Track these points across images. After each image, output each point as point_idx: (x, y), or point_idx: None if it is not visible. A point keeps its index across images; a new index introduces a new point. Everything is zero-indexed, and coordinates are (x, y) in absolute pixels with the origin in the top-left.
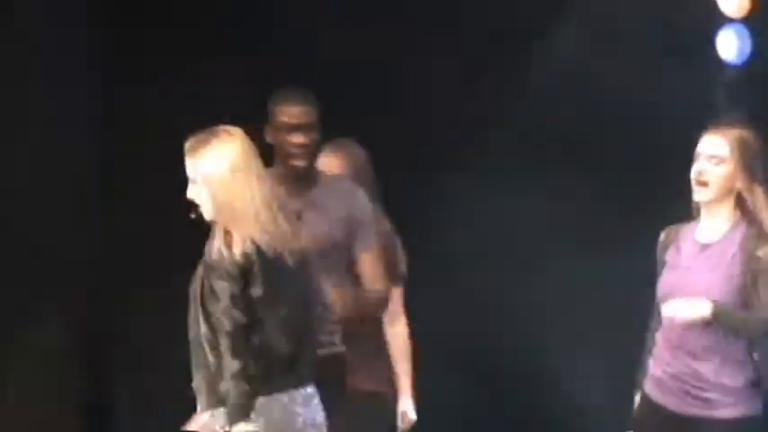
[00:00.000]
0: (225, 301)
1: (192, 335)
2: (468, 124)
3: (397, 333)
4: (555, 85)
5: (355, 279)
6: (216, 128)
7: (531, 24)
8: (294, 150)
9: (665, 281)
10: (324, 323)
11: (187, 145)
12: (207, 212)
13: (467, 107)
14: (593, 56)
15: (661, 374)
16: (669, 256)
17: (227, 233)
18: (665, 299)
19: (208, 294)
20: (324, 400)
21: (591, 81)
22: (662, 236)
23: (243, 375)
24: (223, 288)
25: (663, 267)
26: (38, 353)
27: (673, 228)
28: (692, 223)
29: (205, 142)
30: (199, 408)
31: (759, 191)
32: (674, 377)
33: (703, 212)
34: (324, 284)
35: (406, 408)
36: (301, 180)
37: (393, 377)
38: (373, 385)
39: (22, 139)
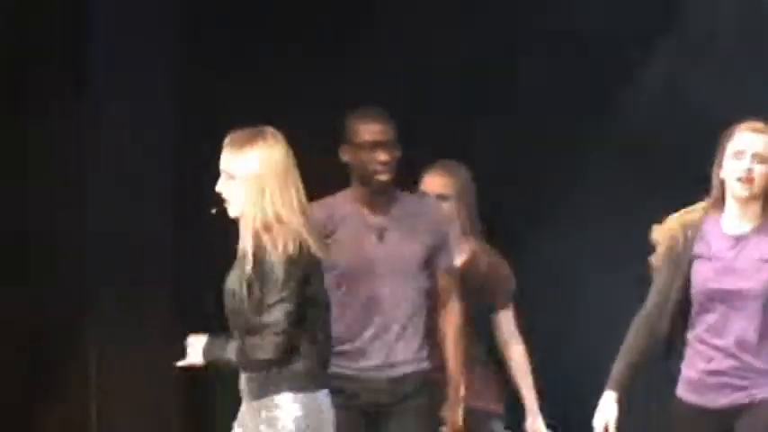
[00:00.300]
0: (280, 293)
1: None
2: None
3: (515, 352)
4: (653, 101)
5: (433, 296)
6: (261, 128)
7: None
8: (378, 167)
9: (701, 274)
10: (409, 340)
11: (230, 139)
12: (237, 209)
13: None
14: (687, 72)
15: (697, 374)
16: (699, 249)
17: (267, 231)
18: (711, 294)
19: (258, 291)
20: (410, 416)
21: (686, 97)
22: (675, 232)
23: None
24: (278, 282)
25: (692, 262)
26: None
27: (686, 224)
28: (710, 218)
29: (251, 139)
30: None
31: None
32: (714, 373)
33: (736, 207)
34: (404, 301)
35: (537, 427)
36: (383, 197)
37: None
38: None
39: None
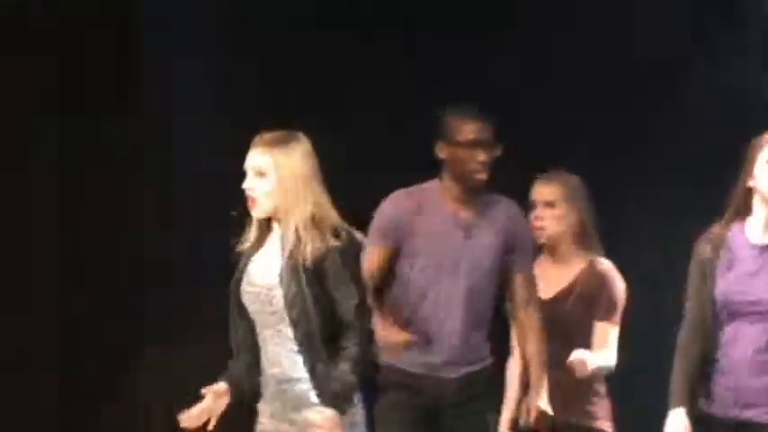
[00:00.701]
0: (351, 287)
1: (299, 333)
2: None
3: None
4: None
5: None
6: (289, 130)
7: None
8: (476, 166)
9: (725, 284)
10: (478, 338)
11: (262, 138)
12: (267, 208)
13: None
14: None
15: (718, 387)
16: (724, 258)
17: (314, 228)
18: (732, 305)
19: (317, 289)
20: (475, 415)
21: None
22: (704, 243)
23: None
24: (346, 276)
25: (713, 272)
26: None
27: (710, 235)
28: (734, 227)
29: (287, 139)
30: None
31: None
32: (735, 388)
33: (765, 216)
34: (480, 299)
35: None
36: (474, 195)
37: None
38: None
39: None
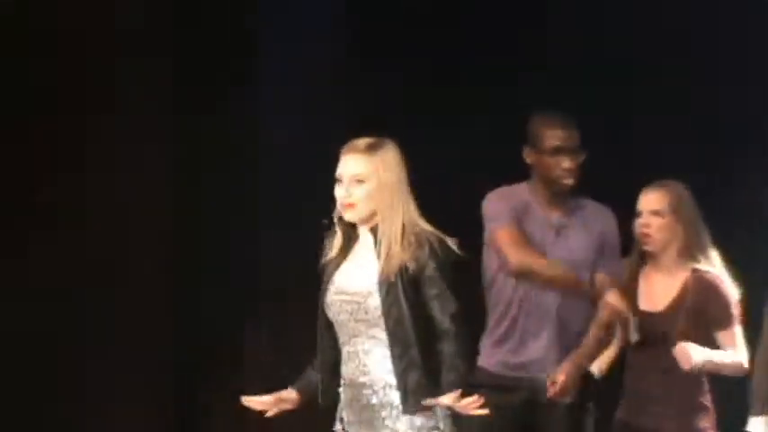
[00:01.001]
0: (448, 295)
1: (395, 341)
2: None
3: None
4: None
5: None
6: (381, 138)
7: None
8: (562, 173)
9: None
10: (569, 338)
11: (357, 145)
12: (366, 211)
13: None
14: None
15: None
16: None
17: (412, 234)
18: None
19: (429, 294)
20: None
21: None
22: None
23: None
24: (444, 284)
25: None
26: None
27: None
28: None
29: (380, 145)
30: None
31: None
32: None
33: None
34: (571, 299)
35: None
36: (562, 198)
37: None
38: None
39: None
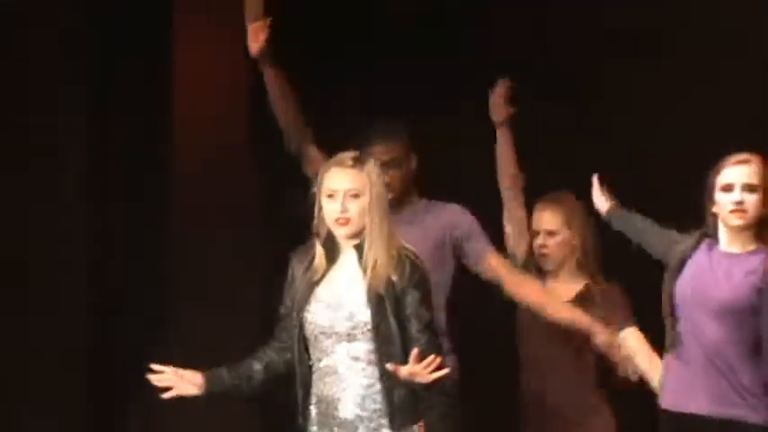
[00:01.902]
0: (429, 308)
1: (381, 356)
2: None
3: None
4: None
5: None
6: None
7: None
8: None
9: None
10: None
11: (344, 160)
12: (360, 225)
13: None
14: None
15: None
16: None
17: (401, 247)
18: None
19: (414, 312)
20: None
21: None
22: None
23: None
24: (427, 295)
25: None
26: None
27: None
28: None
29: (364, 159)
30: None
31: None
32: None
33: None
34: None
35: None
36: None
37: None
38: None
39: None
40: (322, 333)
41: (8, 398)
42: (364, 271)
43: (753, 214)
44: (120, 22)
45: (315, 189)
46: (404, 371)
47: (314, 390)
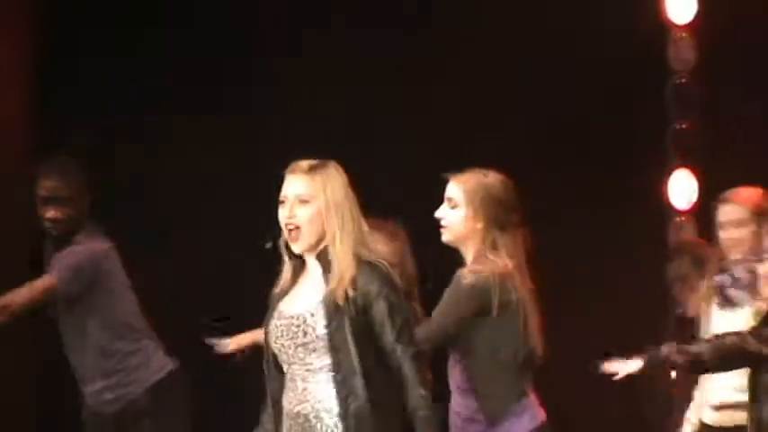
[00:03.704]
0: (407, 317)
1: (338, 367)
2: None
3: None
4: None
5: None
6: (322, 159)
7: None
8: (47, 224)
9: None
10: None
11: (299, 165)
12: (311, 237)
13: None
14: None
15: None
16: None
17: (367, 256)
18: None
19: (385, 323)
20: None
21: None
22: None
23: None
24: (404, 305)
25: None
26: None
27: None
28: None
29: (323, 165)
30: None
31: None
32: None
33: None
34: None
35: None
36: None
37: None
38: None
39: None
40: (283, 345)
41: None
42: (326, 281)
43: None
44: None
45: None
46: None
47: (283, 402)
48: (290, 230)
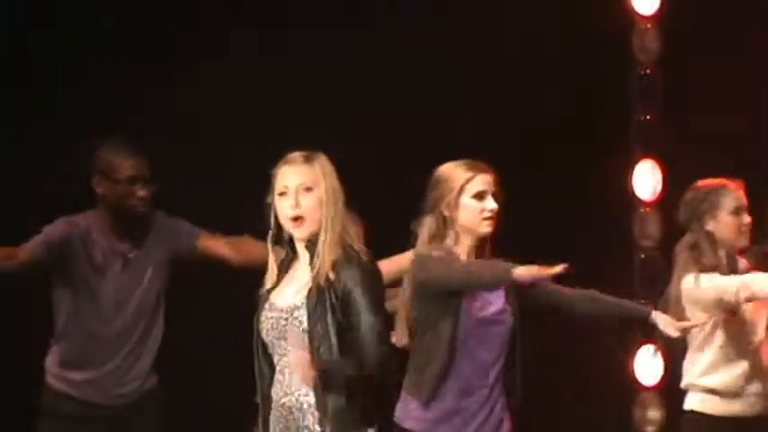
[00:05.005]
0: (380, 305)
1: (319, 359)
2: None
3: None
4: None
5: None
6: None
7: None
8: (137, 202)
9: None
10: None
11: (295, 156)
12: (315, 224)
13: None
14: None
15: None
16: None
17: (354, 243)
18: None
19: (363, 307)
20: None
21: None
22: None
23: None
24: (378, 298)
25: None
26: None
27: None
28: None
29: (316, 155)
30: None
31: None
32: None
33: None
34: None
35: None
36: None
37: None
38: None
39: None
40: (270, 336)
41: None
42: (312, 269)
43: None
44: None
45: (269, 199)
46: None
47: (272, 394)
48: (295, 220)
